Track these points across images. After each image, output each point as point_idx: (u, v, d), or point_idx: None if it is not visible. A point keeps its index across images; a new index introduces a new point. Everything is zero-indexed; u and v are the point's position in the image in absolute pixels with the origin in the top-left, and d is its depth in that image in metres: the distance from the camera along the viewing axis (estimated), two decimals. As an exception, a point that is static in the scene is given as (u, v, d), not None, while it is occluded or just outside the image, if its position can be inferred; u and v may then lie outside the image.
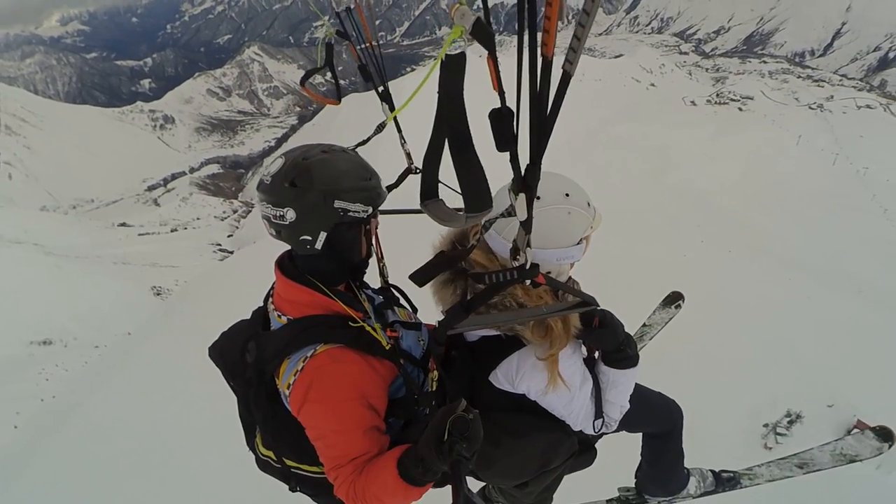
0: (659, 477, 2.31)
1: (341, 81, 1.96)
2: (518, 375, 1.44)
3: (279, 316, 1.38)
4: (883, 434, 2.23)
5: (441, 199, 0.89)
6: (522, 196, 0.82)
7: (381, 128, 1.86)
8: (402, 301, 1.65)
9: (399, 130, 1.89)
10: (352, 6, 1.72)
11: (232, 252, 56.59)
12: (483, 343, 1.50)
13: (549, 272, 1.41)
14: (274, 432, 1.44)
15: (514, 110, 0.67)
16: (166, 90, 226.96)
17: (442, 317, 1.32)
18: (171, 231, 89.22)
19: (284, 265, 1.41)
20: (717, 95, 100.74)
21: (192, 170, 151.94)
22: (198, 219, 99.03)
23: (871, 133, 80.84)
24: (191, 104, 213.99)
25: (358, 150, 1.52)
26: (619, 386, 1.51)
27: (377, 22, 1.69)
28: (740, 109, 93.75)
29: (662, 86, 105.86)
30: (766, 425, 13.36)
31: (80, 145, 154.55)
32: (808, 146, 65.44)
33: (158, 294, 41.77)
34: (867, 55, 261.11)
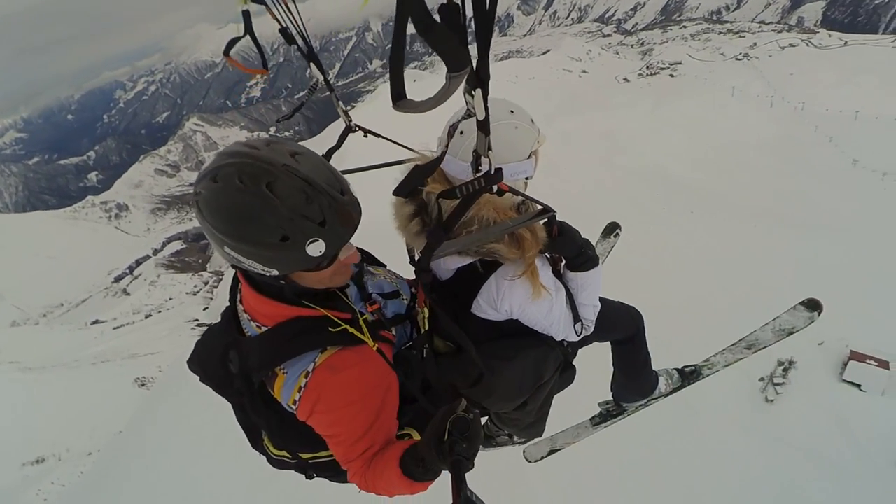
0: (632, 381, 2.42)
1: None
2: (499, 295, 1.49)
3: (258, 326, 1.32)
4: (811, 304, 2.48)
5: (411, 98, 0.86)
6: (479, 92, 0.83)
7: (313, 89, 1.80)
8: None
9: (332, 90, 1.80)
10: None
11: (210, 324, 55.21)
12: (458, 276, 1.54)
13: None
14: (280, 434, 1.42)
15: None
16: (114, 179, 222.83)
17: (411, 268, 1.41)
18: (146, 317, 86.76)
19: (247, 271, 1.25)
20: (647, 67, 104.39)
21: (156, 251, 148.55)
22: (170, 299, 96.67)
23: (799, 69, 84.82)
24: (141, 187, 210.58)
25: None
26: (588, 287, 1.62)
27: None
28: (671, 76, 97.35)
29: (594, 70, 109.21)
30: (761, 379, 13.40)
31: (39, 252, 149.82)
32: (743, 95, 67.99)
33: (143, 385, 40.41)
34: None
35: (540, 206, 1.44)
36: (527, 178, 1.53)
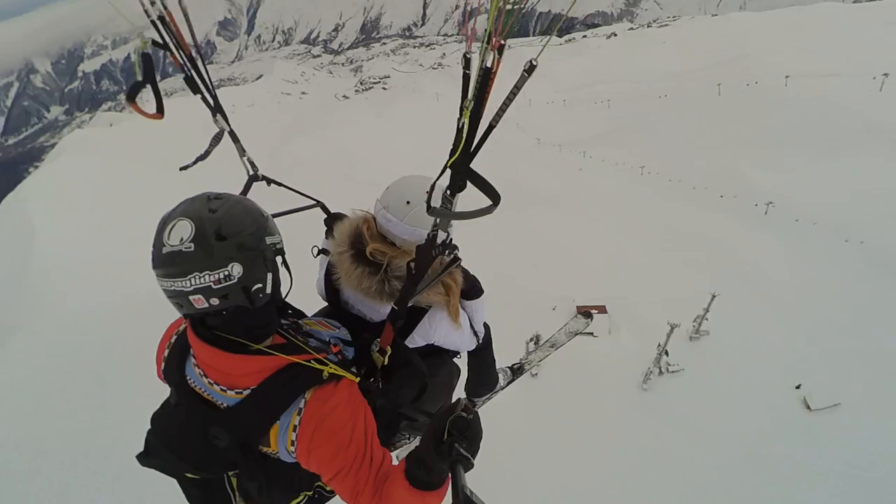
0: (484, 381, 2.75)
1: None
2: (433, 330, 1.78)
3: (237, 393, 1.27)
4: (585, 314, 3.47)
5: (445, 208, 1.19)
6: (458, 195, 1.14)
7: (217, 139, 1.81)
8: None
9: (236, 140, 1.86)
10: (164, 16, 1.55)
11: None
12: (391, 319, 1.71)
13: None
14: (271, 487, 1.39)
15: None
16: None
17: (360, 318, 1.76)
18: None
19: (204, 334, 1.25)
20: (361, 83, 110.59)
21: None
22: None
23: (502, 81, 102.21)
24: None
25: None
26: (479, 311, 2.07)
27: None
28: (384, 89, 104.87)
29: (313, 91, 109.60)
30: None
31: None
32: (444, 100, 77.66)
33: None
34: (453, 13, 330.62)
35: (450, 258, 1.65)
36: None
